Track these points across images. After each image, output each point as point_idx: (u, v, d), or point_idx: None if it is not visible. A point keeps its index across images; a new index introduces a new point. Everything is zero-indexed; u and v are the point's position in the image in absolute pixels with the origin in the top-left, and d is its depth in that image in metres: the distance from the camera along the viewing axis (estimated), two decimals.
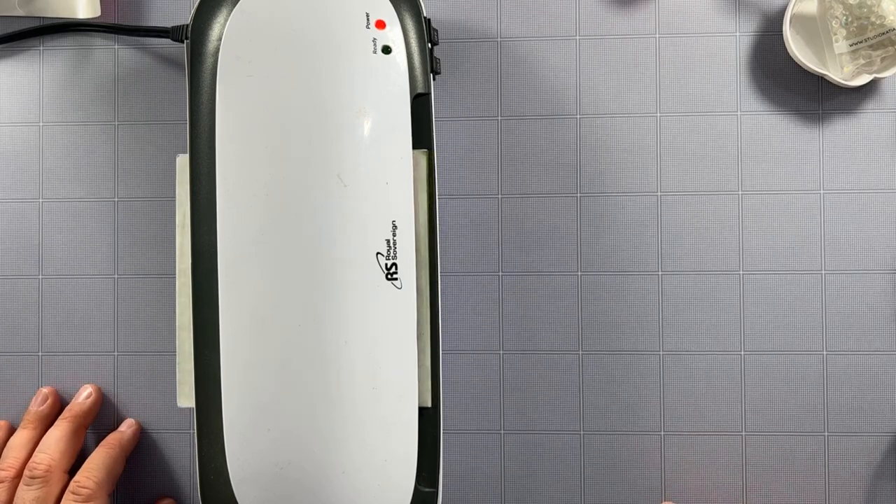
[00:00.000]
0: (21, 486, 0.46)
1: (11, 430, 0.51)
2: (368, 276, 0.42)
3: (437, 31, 0.46)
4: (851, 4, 0.48)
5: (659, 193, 0.51)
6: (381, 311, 0.42)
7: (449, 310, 0.51)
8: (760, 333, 0.50)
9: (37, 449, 0.48)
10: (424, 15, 0.45)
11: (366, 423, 0.41)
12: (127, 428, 0.51)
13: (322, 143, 0.42)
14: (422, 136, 0.44)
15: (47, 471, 0.47)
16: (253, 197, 0.42)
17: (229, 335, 0.41)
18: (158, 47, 0.52)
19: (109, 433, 0.50)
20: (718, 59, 0.51)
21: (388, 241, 0.42)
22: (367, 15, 0.43)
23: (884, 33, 0.48)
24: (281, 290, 0.41)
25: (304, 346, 0.41)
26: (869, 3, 0.47)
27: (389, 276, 0.42)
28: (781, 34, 0.51)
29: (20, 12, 0.52)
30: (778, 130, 0.51)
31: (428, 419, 0.43)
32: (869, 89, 0.50)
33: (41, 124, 0.52)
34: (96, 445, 0.49)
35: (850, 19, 0.48)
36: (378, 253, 0.42)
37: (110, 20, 0.52)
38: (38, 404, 0.50)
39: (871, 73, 0.48)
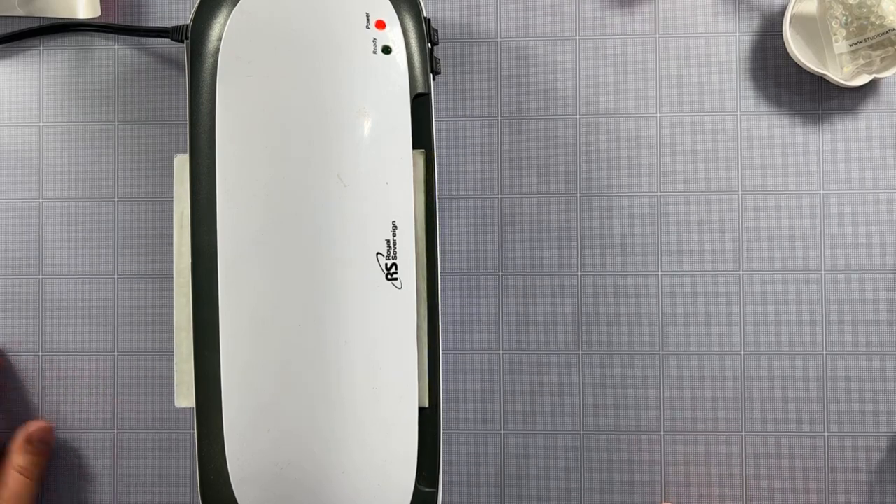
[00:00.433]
0: None
1: None
2: (368, 276, 0.42)
3: (437, 31, 0.46)
4: (851, 4, 0.48)
5: (659, 193, 0.51)
6: (381, 311, 0.42)
7: (449, 310, 0.51)
8: (760, 333, 0.50)
9: None
10: (424, 15, 0.45)
11: (366, 423, 0.41)
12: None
13: (322, 143, 0.42)
14: (422, 136, 0.44)
15: None
16: (253, 197, 0.42)
17: (229, 335, 0.41)
18: (158, 47, 0.52)
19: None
20: (718, 59, 0.51)
21: (388, 241, 0.42)
22: (367, 15, 0.43)
23: (884, 33, 0.48)
24: (281, 290, 0.41)
25: (304, 346, 0.41)
26: (869, 3, 0.47)
27: (389, 277, 0.42)
28: (781, 34, 0.51)
29: (20, 12, 0.52)
30: (778, 130, 0.51)
31: (428, 419, 0.43)
32: (869, 89, 0.50)
33: (41, 124, 0.52)
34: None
35: (850, 19, 0.48)
36: (378, 253, 0.42)
37: (110, 20, 0.52)
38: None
39: (870, 73, 0.48)
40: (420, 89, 0.44)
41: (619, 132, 0.51)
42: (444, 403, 0.50)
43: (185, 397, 0.43)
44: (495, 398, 0.51)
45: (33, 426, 0.50)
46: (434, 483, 0.43)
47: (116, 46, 0.52)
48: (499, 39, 0.52)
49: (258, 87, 0.42)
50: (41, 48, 0.53)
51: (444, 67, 0.51)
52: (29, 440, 0.49)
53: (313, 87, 0.42)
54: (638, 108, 0.51)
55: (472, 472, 0.51)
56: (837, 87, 0.50)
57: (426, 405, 0.43)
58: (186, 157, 0.44)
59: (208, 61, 0.43)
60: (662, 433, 0.50)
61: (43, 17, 0.52)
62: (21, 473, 0.48)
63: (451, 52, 0.52)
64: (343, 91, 0.42)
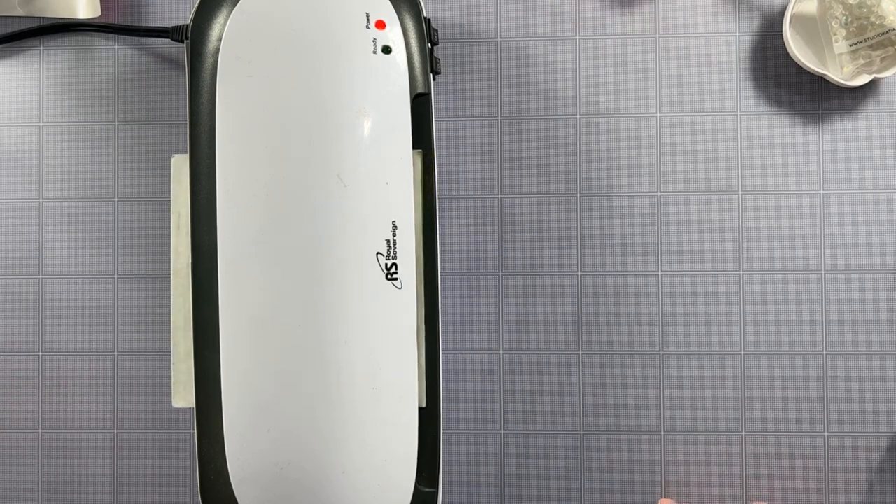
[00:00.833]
0: None
1: None
2: (368, 276, 0.42)
3: (437, 31, 0.46)
4: (851, 4, 0.48)
5: (659, 193, 0.51)
6: (381, 311, 0.42)
7: (449, 310, 0.51)
8: (760, 333, 0.50)
9: None
10: (424, 15, 0.45)
11: (366, 423, 0.41)
12: None
13: (322, 143, 0.42)
14: (422, 136, 0.44)
15: None
16: (253, 197, 0.42)
17: (229, 335, 0.41)
18: (158, 47, 0.52)
19: None
20: (718, 59, 0.51)
21: (388, 241, 0.42)
22: (367, 15, 0.43)
23: (884, 33, 0.48)
24: (281, 290, 0.41)
25: (304, 346, 0.41)
26: (869, 3, 0.47)
27: (389, 276, 0.42)
28: (781, 34, 0.51)
29: (20, 12, 0.52)
30: (778, 130, 0.51)
31: (428, 419, 0.43)
32: (869, 89, 0.50)
33: (41, 124, 0.52)
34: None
35: (850, 19, 0.48)
36: (378, 253, 0.42)
37: (110, 20, 0.52)
38: None
39: (870, 73, 0.48)
40: (420, 89, 0.44)
41: (619, 132, 0.51)
42: (443, 403, 0.50)
43: (182, 397, 0.43)
44: (495, 398, 0.51)
45: None
46: (434, 483, 0.43)
47: (116, 46, 0.52)
48: (499, 39, 0.52)
49: (258, 87, 0.42)
50: (41, 48, 0.53)
51: (444, 67, 0.51)
52: None
53: (313, 87, 0.42)
54: (638, 107, 0.51)
55: (472, 472, 0.51)
56: (837, 87, 0.50)
57: (422, 405, 0.43)
58: (184, 157, 0.44)
59: (208, 61, 0.43)
60: (662, 433, 0.50)
61: (43, 17, 0.52)
62: None
63: (451, 52, 0.52)
64: (343, 91, 0.42)
